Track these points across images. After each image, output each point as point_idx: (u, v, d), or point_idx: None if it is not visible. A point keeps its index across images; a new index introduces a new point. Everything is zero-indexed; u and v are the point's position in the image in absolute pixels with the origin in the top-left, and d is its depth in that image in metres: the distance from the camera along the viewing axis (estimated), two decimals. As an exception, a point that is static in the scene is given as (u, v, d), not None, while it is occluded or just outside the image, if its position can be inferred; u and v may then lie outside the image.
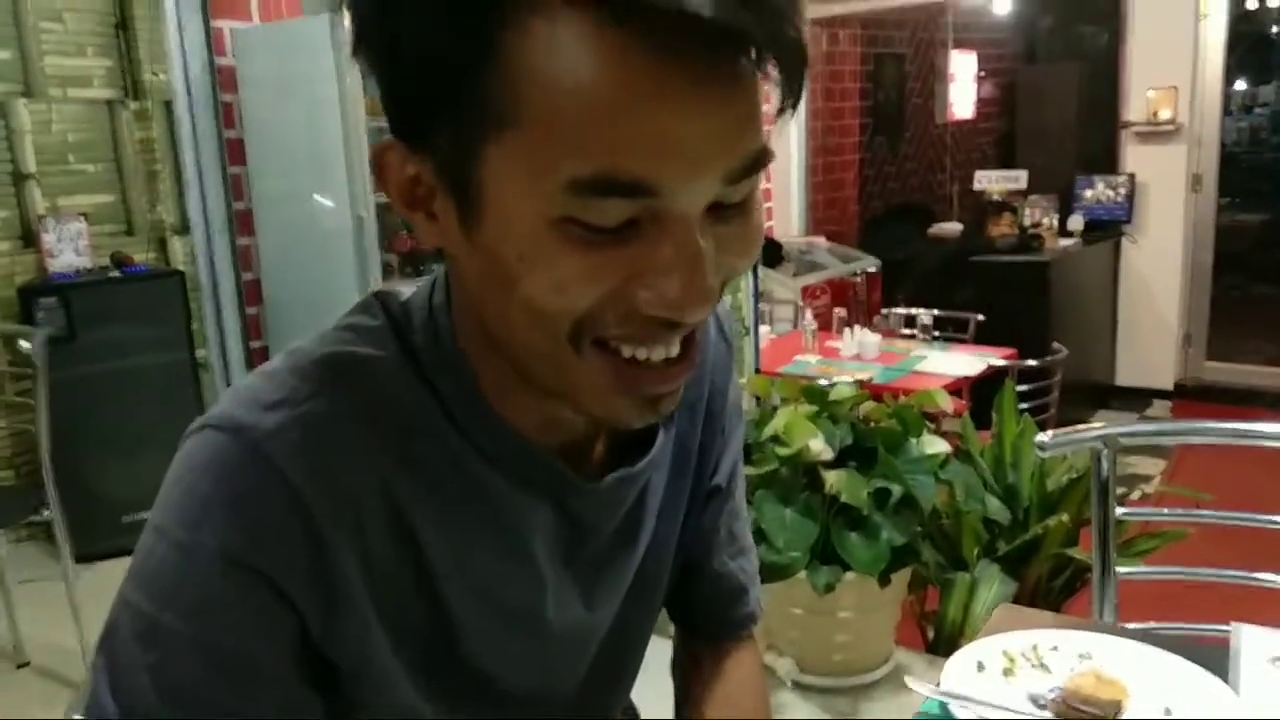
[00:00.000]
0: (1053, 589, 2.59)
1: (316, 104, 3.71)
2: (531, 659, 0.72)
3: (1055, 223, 5.22)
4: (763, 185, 0.61)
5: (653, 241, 0.54)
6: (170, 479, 0.59)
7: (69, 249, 3.69)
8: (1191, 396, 5.41)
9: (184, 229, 4.12)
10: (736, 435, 0.90)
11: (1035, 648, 1.02)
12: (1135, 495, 3.99)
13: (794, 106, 0.55)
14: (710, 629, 0.95)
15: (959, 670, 0.98)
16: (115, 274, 3.74)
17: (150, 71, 4.06)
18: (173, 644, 0.55)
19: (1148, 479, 4.24)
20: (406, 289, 0.68)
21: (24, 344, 2.69)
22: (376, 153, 0.58)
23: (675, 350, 0.59)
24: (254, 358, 4.19)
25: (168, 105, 4.02)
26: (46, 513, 2.80)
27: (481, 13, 0.50)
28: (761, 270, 4.71)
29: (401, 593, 0.62)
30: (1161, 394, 5.46)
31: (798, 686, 2.57)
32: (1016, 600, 2.43)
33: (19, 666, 2.90)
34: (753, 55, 0.52)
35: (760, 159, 0.55)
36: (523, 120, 0.51)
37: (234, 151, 4.04)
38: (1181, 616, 1.47)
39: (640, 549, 0.78)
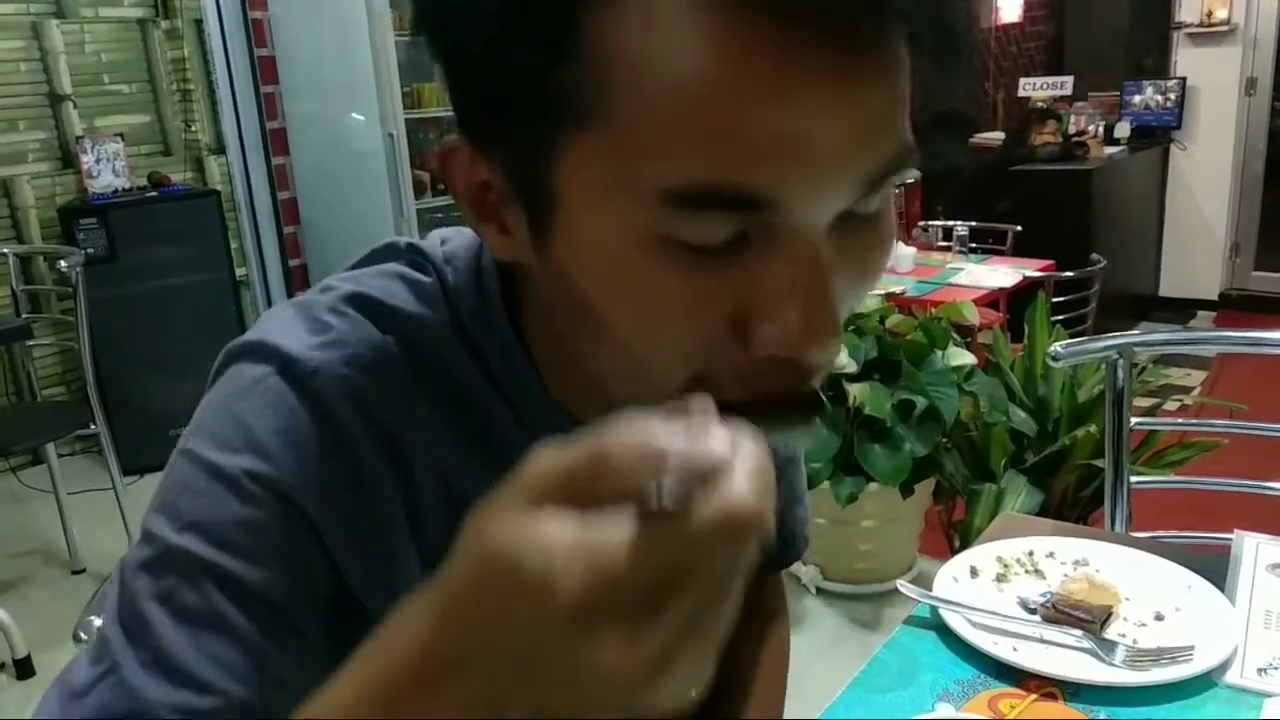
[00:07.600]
0: (1080, 499, 2.59)
1: (344, 21, 3.68)
2: None
3: (1101, 130, 5.09)
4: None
5: (765, 262, 0.43)
6: (207, 403, 0.54)
7: (107, 169, 3.74)
8: (1237, 307, 5.32)
9: (219, 149, 4.15)
10: None
11: (1031, 554, 1.03)
12: (1172, 406, 3.95)
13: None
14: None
15: (953, 576, 0.99)
16: (153, 194, 3.79)
17: (179, -12, 4.06)
18: (190, 569, 0.50)
19: (1187, 390, 4.18)
20: (445, 236, 0.62)
21: (62, 264, 2.76)
22: (442, 156, 0.50)
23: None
24: (293, 275, 4.26)
25: (198, 24, 4.02)
26: (94, 426, 2.91)
27: None
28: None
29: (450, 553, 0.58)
30: (1207, 304, 5.37)
31: (821, 593, 2.62)
32: (1044, 510, 2.44)
33: (74, 573, 3.05)
34: (906, 38, 0.42)
35: (903, 159, 0.44)
36: (606, 117, 0.42)
37: (266, 70, 4.04)
38: (1210, 527, 1.43)
39: None
